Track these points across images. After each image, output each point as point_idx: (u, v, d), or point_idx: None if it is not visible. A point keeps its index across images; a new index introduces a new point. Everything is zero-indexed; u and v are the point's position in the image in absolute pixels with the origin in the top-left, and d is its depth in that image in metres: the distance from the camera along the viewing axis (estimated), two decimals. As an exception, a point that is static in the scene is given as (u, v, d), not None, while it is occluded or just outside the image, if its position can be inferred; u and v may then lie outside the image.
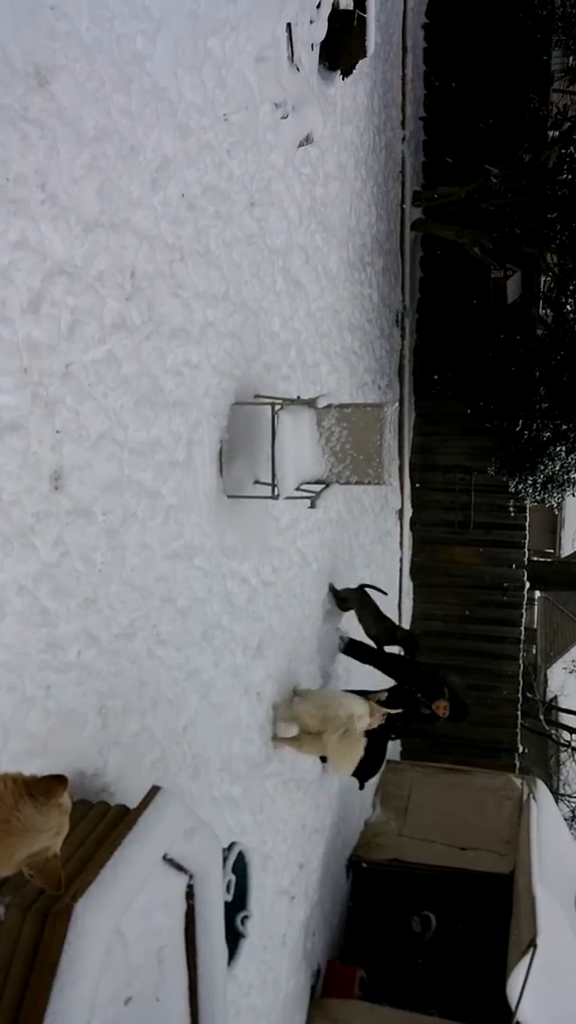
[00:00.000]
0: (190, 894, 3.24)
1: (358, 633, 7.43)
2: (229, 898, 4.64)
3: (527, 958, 6.00)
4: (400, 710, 6.39)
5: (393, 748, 10.09)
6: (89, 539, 3.37)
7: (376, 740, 6.68)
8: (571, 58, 8.53)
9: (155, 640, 3.95)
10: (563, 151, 8.33)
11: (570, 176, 8.21)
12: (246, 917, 4.95)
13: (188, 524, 4.27)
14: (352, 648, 7.45)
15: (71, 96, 3.13)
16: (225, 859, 4.62)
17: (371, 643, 7.45)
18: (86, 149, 3.25)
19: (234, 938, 4.79)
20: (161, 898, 3.08)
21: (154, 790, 3.06)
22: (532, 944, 6.05)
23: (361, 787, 7.26)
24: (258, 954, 5.38)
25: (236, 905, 4.84)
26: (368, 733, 6.31)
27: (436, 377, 10.11)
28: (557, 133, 8.72)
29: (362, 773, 6.79)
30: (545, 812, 7.90)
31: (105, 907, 2.60)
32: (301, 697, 5.94)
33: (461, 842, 7.73)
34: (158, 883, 3.04)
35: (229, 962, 4.55)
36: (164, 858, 3.06)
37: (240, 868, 4.94)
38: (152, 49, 3.70)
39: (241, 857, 4.94)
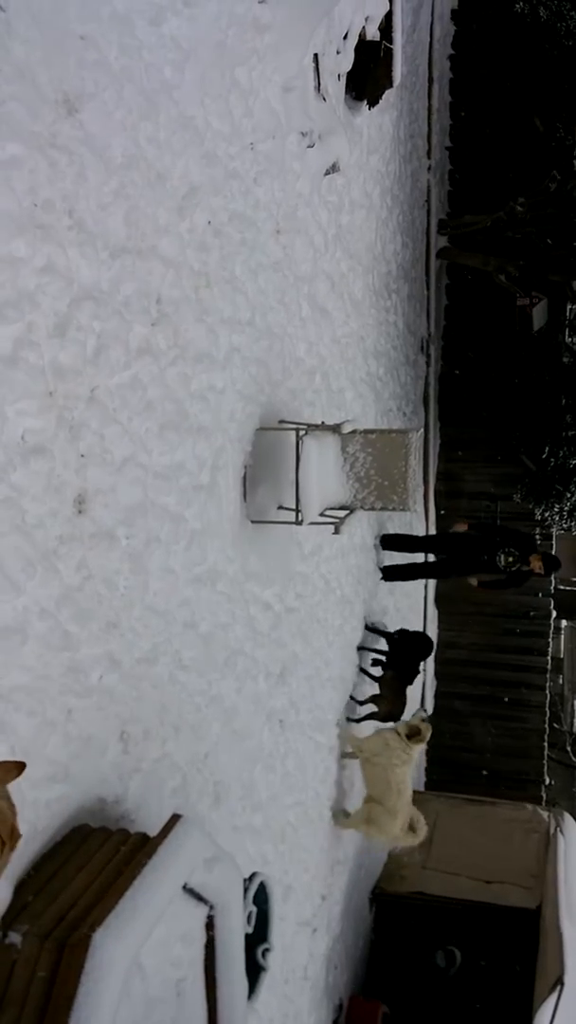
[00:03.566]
0: (210, 925, 3.18)
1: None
2: (250, 930, 4.56)
3: (554, 996, 5.85)
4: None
5: (418, 779, 9.97)
6: (112, 563, 3.37)
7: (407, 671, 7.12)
8: (597, 87, 8.56)
9: (177, 665, 3.93)
10: (589, 180, 8.34)
11: (596, 204, 8.21)
12: (267, 950, 4.85)
13: (211, 549, 4.26)
14: (390, 542, 7.59)
15: (99, 124, 3.17)
16: (246, 890, 4.55)
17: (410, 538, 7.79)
18: (114, 176, 3.28)
19: (255, 971, 4.69)
20: (181, 929, 3.03)
21: (175, 818, 3.03)
22: (559, 982, 5.90)
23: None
24: (279, 987, 5.28)
25: (257, 937, 4.75)
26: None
27: (457, 372, 10.02)
28: (583, 162, 8.73)
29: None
30: (572, 845, 7.73)
31: (124, 938, 2.55)
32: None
33: (486, 875, 7.58)
34: (178, 914, 2.99)
35: (249, 995, 4.45)
36: (184, 888, 3.01)
37: (261, 899, 4.86)
38: (180, 78, 3.75)
39: (262, 888, 4.86)
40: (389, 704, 6.84)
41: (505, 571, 7.21)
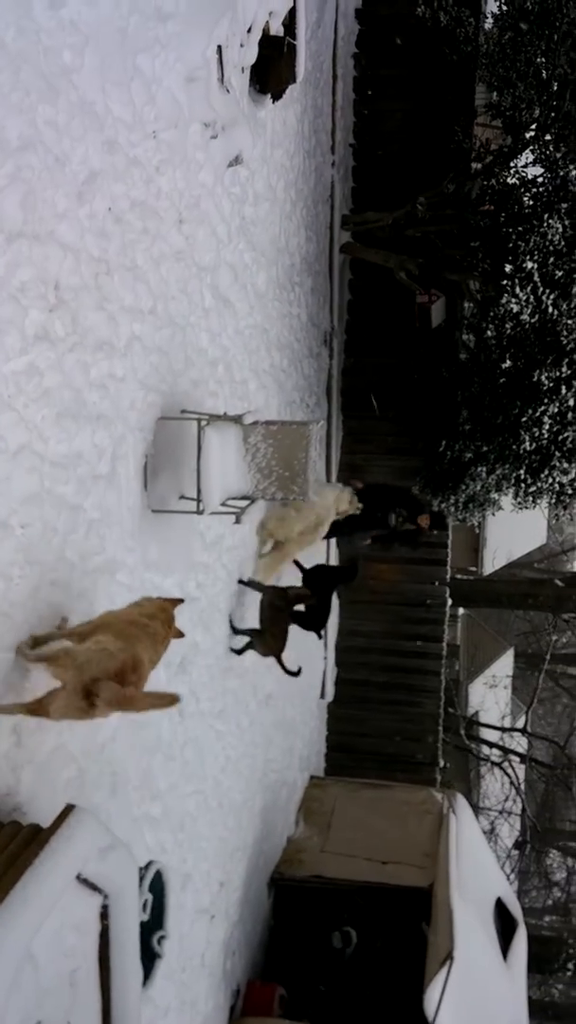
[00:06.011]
0: (105, 914, 3.19)
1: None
2: (146, 918, 4.58)
3: (444, 970, 6.08)
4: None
5: (317, 763, 10.13)
6: (6, 553, 3.32)
7: (322, 592, 7.36)
8: (493, 94, 8.80)
9: (74, 656, 3.89)
10: (485, 183, 8.58)
11: (492, 207, 8.46)
12: (163, 937, 4.88)
13: (111, 539, 4.24)
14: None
15: (-6, 106, 3.11)
16: (142, 878, 4.56)
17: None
18: (9, 159, 3.22)
19: (150, 959, 4.72)
20: (74, 919, 3.02)
21: (68, 808, 3.02)
22: (449, 956, 6.13)
23: (320, 636, 7.93)
24: (176, 975, 5.31)
25: (153, 925, 4.78)
26: (313, 587, 7.19)
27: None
28: (480, 165, 8.99)
29: (315, 623, 7.34)
30: (464, 825, 8.02)
31: (14, 929, 2.54)
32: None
33: (383, 856, 7.79)
34: (71, 904, 2.98)
35: (144, 983, 4.48)
36: (78, 878, 3.01)
37: (158, 887, 4.88)
38: (80, 63, 3.70)
39: (159, 876, 4.89)
40: (269, 642, 6.56)
41: (394, 530, 8.08)
